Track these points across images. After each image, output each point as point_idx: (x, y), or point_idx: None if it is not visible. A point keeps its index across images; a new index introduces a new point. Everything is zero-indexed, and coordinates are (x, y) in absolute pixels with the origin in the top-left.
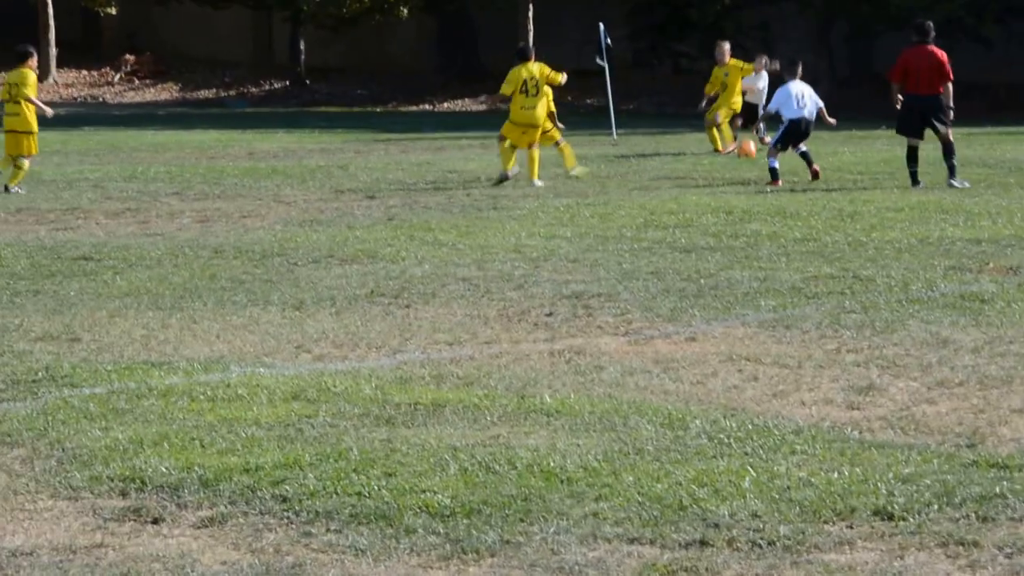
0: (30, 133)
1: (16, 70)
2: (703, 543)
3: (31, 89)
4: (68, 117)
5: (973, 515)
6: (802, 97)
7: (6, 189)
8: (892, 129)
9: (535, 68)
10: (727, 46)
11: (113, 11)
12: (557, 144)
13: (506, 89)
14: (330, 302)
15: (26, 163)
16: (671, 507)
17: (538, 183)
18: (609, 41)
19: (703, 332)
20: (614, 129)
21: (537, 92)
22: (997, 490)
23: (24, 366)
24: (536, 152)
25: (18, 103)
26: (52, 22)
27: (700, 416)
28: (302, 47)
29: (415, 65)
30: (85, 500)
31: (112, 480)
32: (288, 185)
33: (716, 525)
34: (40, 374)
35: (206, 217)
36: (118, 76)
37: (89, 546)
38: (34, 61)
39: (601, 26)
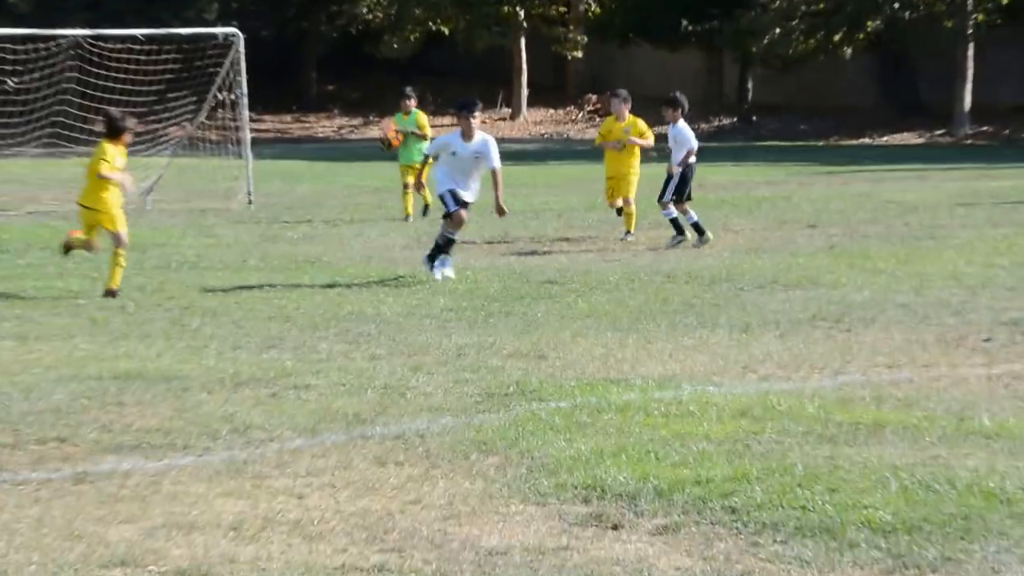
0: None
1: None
2: None
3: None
4: (535, 152)
5: None
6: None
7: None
8: None
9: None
10: None
11: (579, 54)
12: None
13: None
14: (774, 325)
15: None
16: None
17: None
18: None
19: None
20: None
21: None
22: None
23: (497, 380)
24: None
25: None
26: (525, 66)
27: None
28: (750, 86)
29: (855, 101)
30: (552, 505)
31: (575, 488)
32: (736, 215)
33: None
34: (511, 388)
35: (658, 244)
36: (581, 115)
37: (556, 548)
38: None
39: None
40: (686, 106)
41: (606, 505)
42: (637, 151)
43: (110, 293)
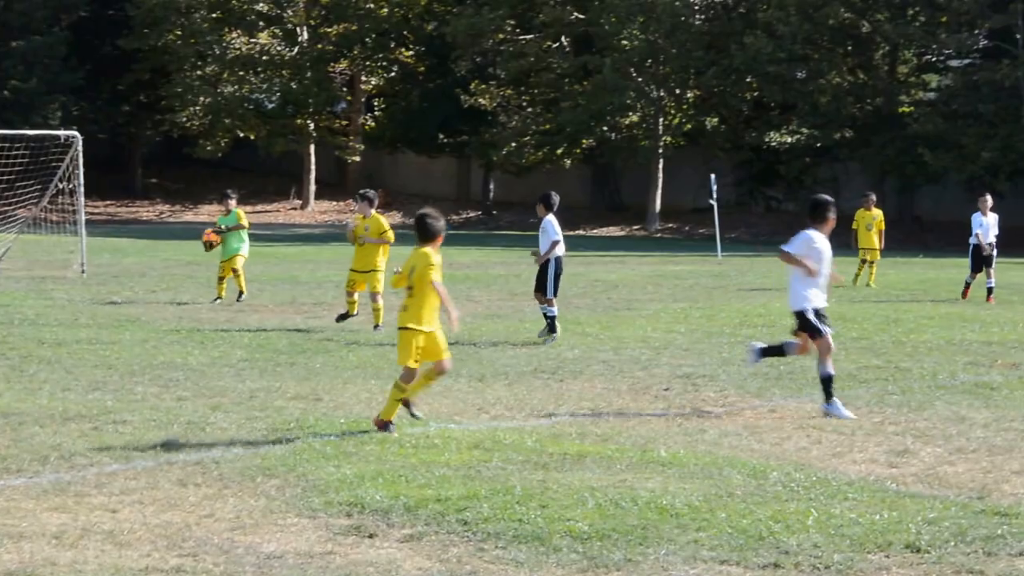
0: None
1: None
2: (776, 566)
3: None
4: (320, 235)
5: (981, 551)
6: None
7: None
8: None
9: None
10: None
11: (357, 158)
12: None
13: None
14: (504, 376)
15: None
16: (753, 537)
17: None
18: (716, 187)
19: (781, 406)
20: (719, 252)
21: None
22: (999, 532)
23: (281, 418)
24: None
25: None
26: (313, 167)
27: (777, 469)
28: (491, 186)
29: (573, 200)
30: (321, 519)
31: (341, 504)
32: (477, 288)
33: (786, 552)
34: (292, 424)
35: None
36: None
37: (323, 553)
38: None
39: (712, 176)
40: (554, 203)
41: (365, 518)
42: (383, 248)
43: (383, 426)
